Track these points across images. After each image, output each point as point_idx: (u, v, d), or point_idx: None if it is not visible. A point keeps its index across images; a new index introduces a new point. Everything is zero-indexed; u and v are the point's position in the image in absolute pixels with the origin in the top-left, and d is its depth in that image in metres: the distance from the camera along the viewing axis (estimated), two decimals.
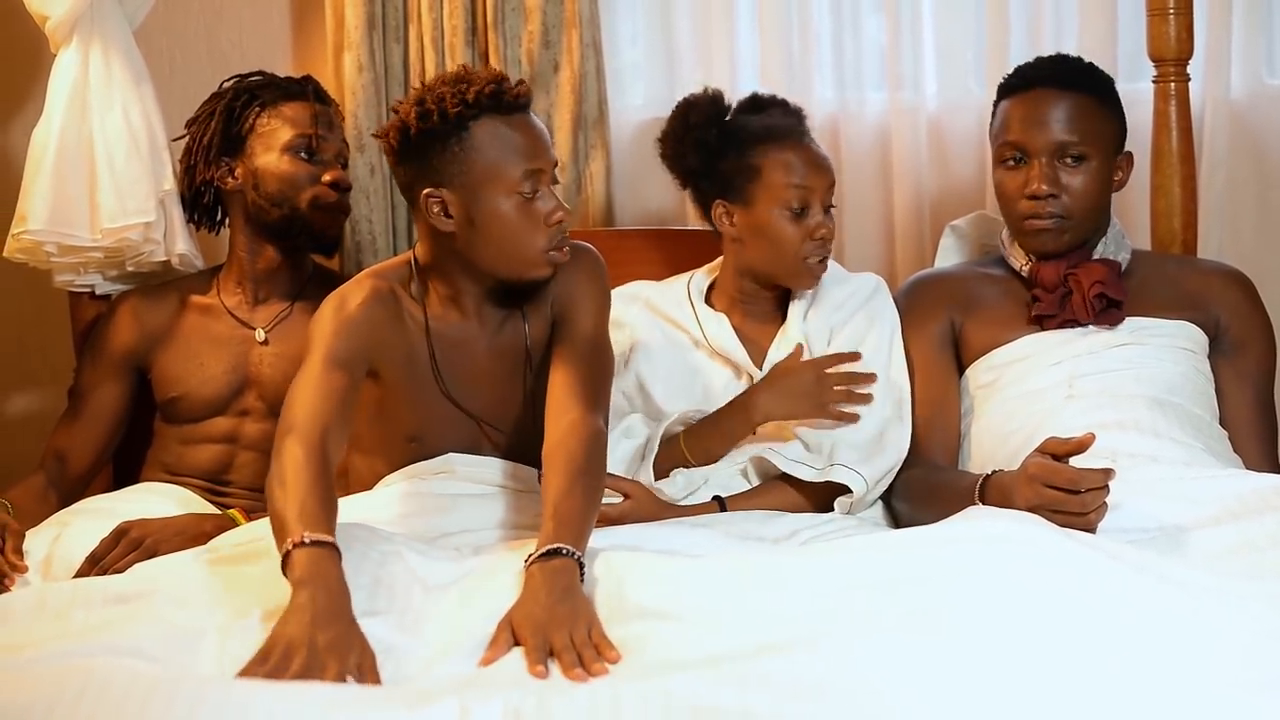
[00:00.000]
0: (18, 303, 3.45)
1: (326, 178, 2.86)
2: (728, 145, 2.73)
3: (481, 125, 2.44)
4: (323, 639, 1.95)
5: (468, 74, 2.48)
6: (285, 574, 2.07)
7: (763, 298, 2.81)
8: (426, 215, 2.48)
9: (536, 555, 2.15)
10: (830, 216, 2.72)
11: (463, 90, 2.43)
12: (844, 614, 2.00)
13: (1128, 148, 2.81)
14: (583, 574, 2.15)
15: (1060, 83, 2.73)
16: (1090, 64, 2.80)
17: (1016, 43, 3.29)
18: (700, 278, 2.88)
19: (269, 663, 1.92)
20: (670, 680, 1.80)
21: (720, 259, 2.85)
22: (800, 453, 2.66)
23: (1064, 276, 2.73)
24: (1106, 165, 2.73)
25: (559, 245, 2.50)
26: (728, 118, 2.77)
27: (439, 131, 2.43)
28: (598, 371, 2.53)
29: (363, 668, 1.94)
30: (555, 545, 2.15)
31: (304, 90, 2.92)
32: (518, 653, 1.99)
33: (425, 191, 2.47)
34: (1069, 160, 2.71)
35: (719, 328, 2.79)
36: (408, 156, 2.47)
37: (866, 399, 2.67)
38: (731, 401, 2.69)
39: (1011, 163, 2.75)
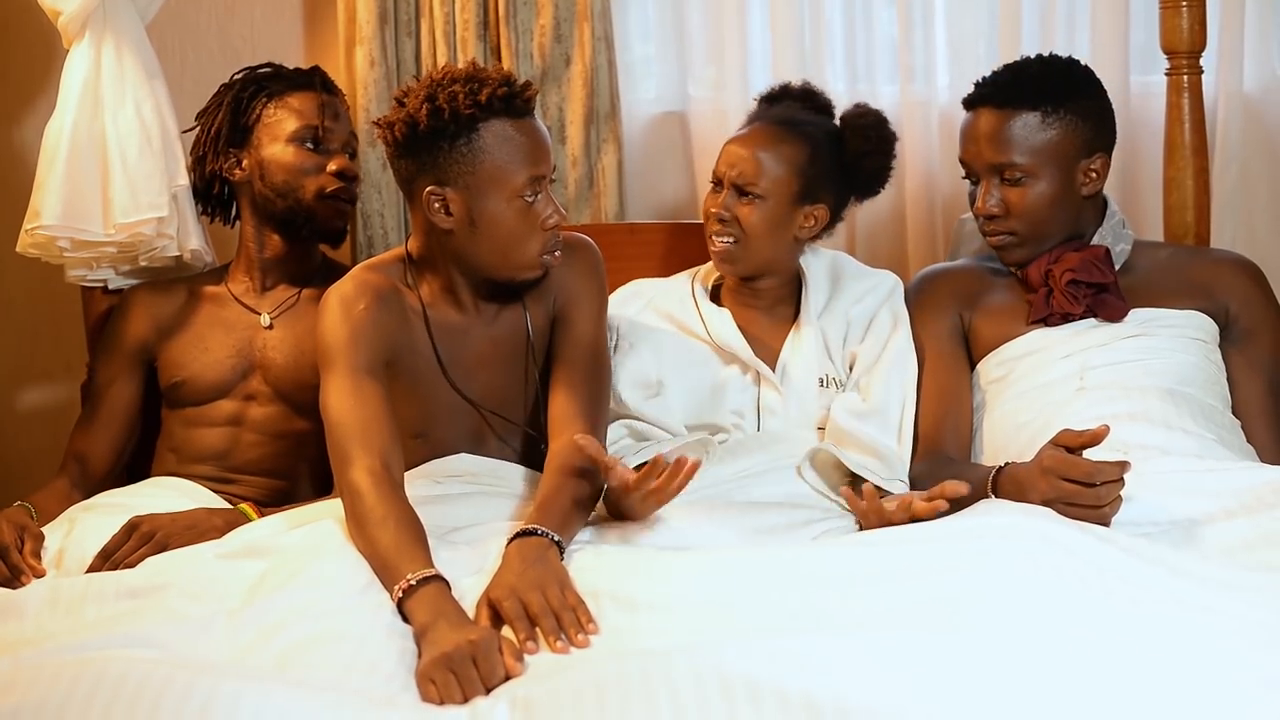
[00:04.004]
0: (31, 297, 3.46)
1: (332, 167, 2.87)
2: None
3: (491, 127, 2.45)
4: (475, 635, 1.98)
5: (478, 72, 2.49)
6: (403, 615, 2.11)
7: (771, 294, 2.81)
8: (426, 211, 2.49)
9: (513, 536, 2.23)
10: None
11: (475, 90, 2.43)
12: (855, 605, 2.01)
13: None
14: (562, 555, 2.21)
15: (1000, 101, 2.72)
16: (1047, 72, 2.76)
17: (1028, 35, 3.28)
18: (705, 273, 2.89)
19: (445, 678, 1.91)
20: (675, 656, 1.81)
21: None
22: (864, 459, 2.64)
23: (1045, 274, 2.74)
24: (1059, 177, 2.72)
25: (552, 249, 2.53)
26: None
27: (448, 130, 2.44)
28: (596, 384, 2.58)
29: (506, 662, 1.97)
30: (531, 526, 2.23)
31: (311, 81, 2.93)
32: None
33: (428, 189, 2.48)
34: (1009, 180, 2.72)
35: (721, 323, 2.80)
36: (412, 151, 2.48)
37: None
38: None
39: (969, 179, 2.80)
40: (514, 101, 2.45)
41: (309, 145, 2.88)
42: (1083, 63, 2.82)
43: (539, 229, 2.50)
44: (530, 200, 2.48)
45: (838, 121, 2.82)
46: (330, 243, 2.94)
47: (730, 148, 2.77)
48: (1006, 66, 2.83)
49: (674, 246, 3.16)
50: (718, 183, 2.77)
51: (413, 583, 2.12)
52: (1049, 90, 2.72)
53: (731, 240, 2.73)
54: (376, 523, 2.23)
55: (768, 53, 3.39)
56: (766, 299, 2.82)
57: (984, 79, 2.79)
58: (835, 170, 2.76)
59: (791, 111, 2.82)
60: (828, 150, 2.75)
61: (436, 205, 2.48)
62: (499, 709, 1.81)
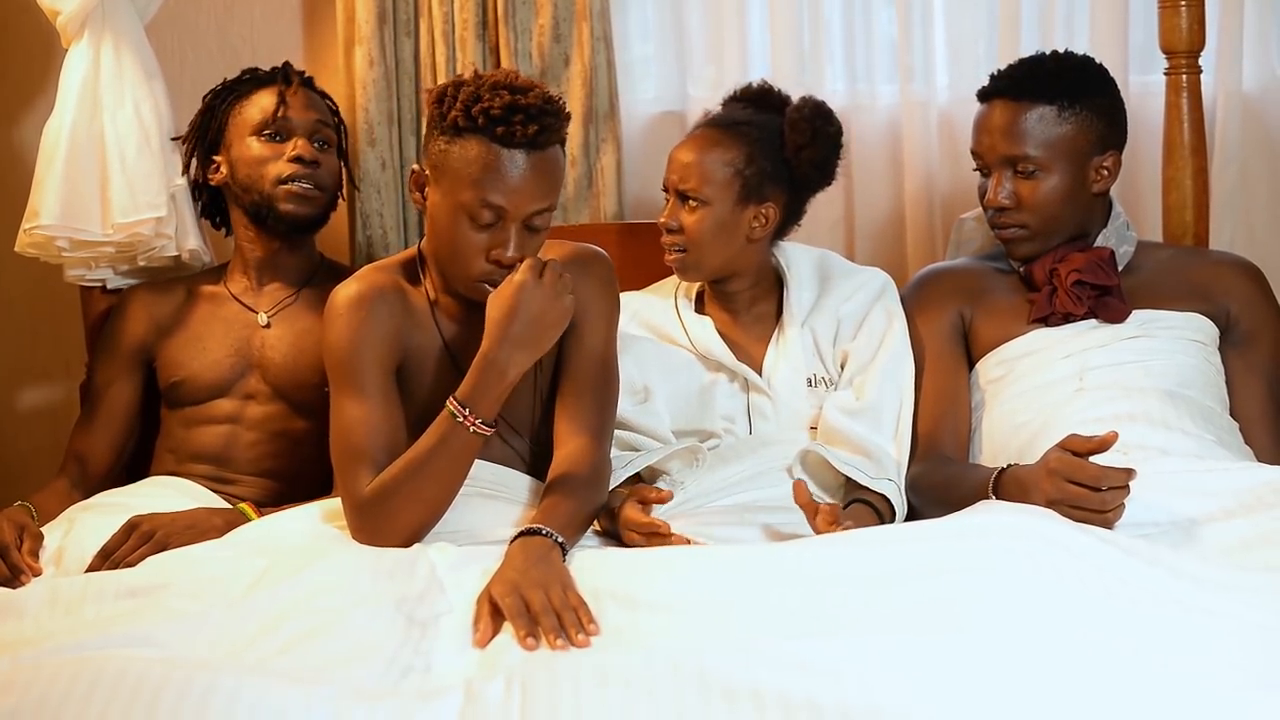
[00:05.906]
0: (30, 297, 3.46)
1: (288, 153, 2.88)
2: None
3: (473, 139, 2.41)
4: None
5: (502, 89, 2.42)
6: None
7: (746, 297, 2.81)
8: (410, 185, 2.52)
9: (516, 535, 2.25)
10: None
11: (473, 102, 2.41)
12: (856, 605, 2.01)
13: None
14: (564, 555, 2.22)
15: (1017, 94, 2.72)
16: (1063, 68, 2.76)
17: (1028, 35, 3.28)
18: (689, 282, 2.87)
19: None
20: (679, 656, 1.81)
21: None
22: (853, 457, 2.61)
23: (1050, 273, 2.74)
24: (1071, 173, 2.72)
25: (493, 282, 2.44)
26: None
27: (440, 122, 2.44)
28: (604, 396, 2.57)
29: None
30: (535, 526, 2.26)
31: (274, 76, 2.95)
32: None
33: (417, 166, 2.51)
34: (1022, 173, 2.71)
35: (703, 331, 2.78)
36: (429, 127, 2.49)
37: None
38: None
39: (980, 171, 2.79)
40: (496, 129, 2.39)
41: (269, 136, 2.89)
42: (1098, 61, 2.81)
43: (480, 254, 2.44)
44: (481, 224, 2.42)
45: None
46: (301, 233, 2.93)
47: (673, 155, 2.75)
48: (1022, 60, 2.82)
49: None
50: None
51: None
52: (1065, 85, 2.72)
53: (680, 250, 2.73)
54: (400, 462, 2.37)
55: (767, 53, 3.39)
56: (743, 301, 2.81)
57: (999, 71, 2.79)
58: (779, 167, 2.72)
59: (734, 113, 2.79)
60: (768, 148, 2.71)
61: (413, 182, 2.51)
62: (494, 686, 1.82)
